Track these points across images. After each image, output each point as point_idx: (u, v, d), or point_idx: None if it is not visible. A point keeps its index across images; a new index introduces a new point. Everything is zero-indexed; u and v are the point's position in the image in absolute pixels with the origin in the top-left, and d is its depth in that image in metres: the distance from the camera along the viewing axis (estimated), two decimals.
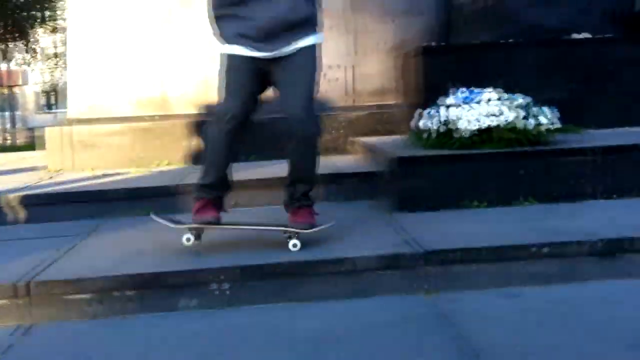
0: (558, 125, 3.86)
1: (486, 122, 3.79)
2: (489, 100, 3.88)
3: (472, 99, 3.91)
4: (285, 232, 2.90)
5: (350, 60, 5.01)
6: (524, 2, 4.94)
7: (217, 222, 2.95)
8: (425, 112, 4.04)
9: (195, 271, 2.72)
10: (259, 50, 2.82)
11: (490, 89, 3.95)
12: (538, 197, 3.61)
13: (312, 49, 2.91)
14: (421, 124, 4.01)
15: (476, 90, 3.98)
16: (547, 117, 3.83)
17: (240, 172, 4.02)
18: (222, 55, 2.90)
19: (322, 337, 2.27)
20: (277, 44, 2.83)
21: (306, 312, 2.54)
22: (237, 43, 2.83)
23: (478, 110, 3.83)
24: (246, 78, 2.87)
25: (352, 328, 2.35)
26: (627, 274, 2.82)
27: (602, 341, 2.15)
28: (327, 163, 4.20)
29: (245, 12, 2.80)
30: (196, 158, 4.49)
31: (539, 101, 3.98)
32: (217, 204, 2.98)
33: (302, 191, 2.97)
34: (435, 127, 3.88)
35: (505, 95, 3.92)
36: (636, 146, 3.71)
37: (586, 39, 4.79)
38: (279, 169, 3.85)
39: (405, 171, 3.61)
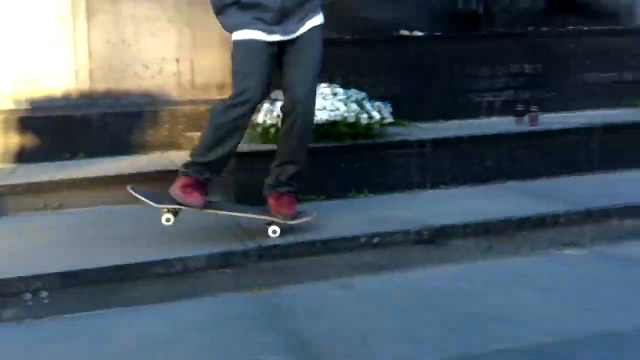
0: (390, 119, 4.00)
1: (322, 117, 3.84)
2: (325, 95, 3.94)
3: None
4: (267, 221, 2.93)
5: (189, 54, 4.88)
6: (361, 1, 5.07)
7: (202, 207, 2.88)
8: (264, 106, 4.02)
9: (6, 280, 2.51)
10: (275, 33, 2.86)
11: (325, 85, 4.02)
12: (372, 189, 3.73)
13: (319, 28, 2.98)
14: (259, 118, 3.99)
15: None
16: (380, 112, 3.96)
17: (70, 170, 3.81)
18: (236, 41, 2.89)
19: (143, 343, 2.17)
20: (291, 26, 2.89)
21: (132, 317, 2.42)
22: (255, 27, 2.84)
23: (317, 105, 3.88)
24: (263, 62, 2.87)
25: (178, 331, 2.27)
26: (451, 259, 2.97)
27: (428, 325, 2.23)
28: (162, 160, 4.08)
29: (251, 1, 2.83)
30: (16, 156, 4.17)
31: (374, 96, 4.10)
32: (203, 187, 2.90)
33: (290, 173, 2.97)
34: (273, 122, 3.88)
35: (341, 91, 4.00)
36: (460, 138, 3.94)
37: (417, 36, 5.02)
38: (111, 166, 3.68)
39: (242, 166, 3.58)
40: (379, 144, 3.83)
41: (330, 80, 4.10)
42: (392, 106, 4.07)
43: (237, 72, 2.89)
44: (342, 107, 3.87)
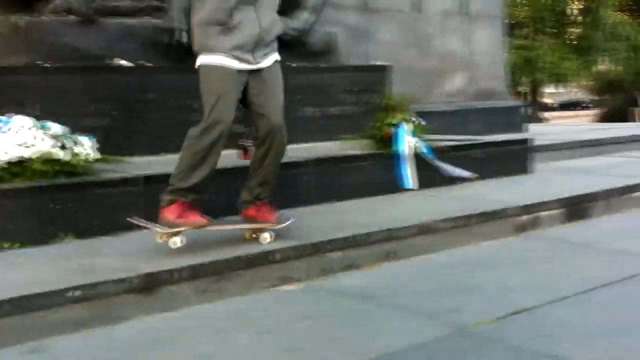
0: (97, 155, 3.68)
1: (17, 154, 3.39)
2: (20, 129, 3.48)
3: None
4: (261, 229, 3.23)
5: None
6: (61, 25, 4.64)
7: (208, 224, 3.13)
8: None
9: None
10: (246, 62, 3.11)
11: (21, 117, 3.55)
12: (77, 233, 3.36)
13: (279, 63, 3.30)
14: None
15: (4, 118, 3.55)
16: (84, 147, 3.61)
17: None
18: (209, 65, 3.08)
19: None
20: (259, 58, 3.15)
21: None
22: (230, 55, 3.06)
23: (7, 140, 3.41)
24: (235, 90, 3.11)
25: None
26: (166, 306, 2.77)
27: None
28: None
29: (235, 25, 3.05)
30: None
31: (78, 129, 3.75)
32: (196, 208, 3.10)
33: (269, 188, 3.27)
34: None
35: (39, 124, 3.57)
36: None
37: (128, 66, 4.75)
38: None
39: None
40: (83, 182, 3.47)
41: (28, 113, 3.64)
42: (101, 140, 3.76)
43: (211, 96, 3.05)
44: (40, 142, 3.45)
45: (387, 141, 4.94)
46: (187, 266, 2.86)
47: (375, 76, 5.83)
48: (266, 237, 3.21)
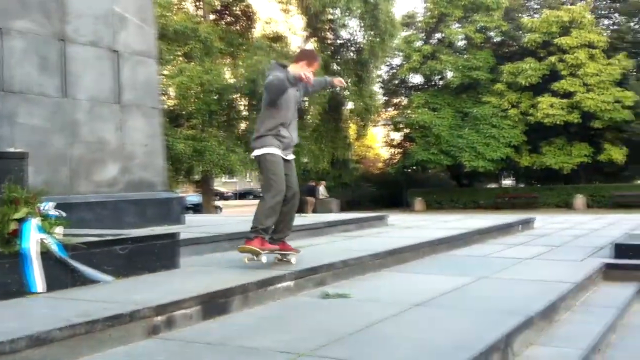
0: None
1: None
2: None
3: None
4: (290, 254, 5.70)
5: None
6: None
7: (274, 249, 5.60)
8: None
9: None
10: (285, 155, 5.62)
11: None
12: None
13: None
14: None
15: None
16: None
17: None
18: (266, 154, 5.49)
19: None
20: (288, 154, 5.68)
21: None
22: (280, 149, 5.55)
23: None
24: (282, 170, 5.53)
25: None
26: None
27: None
28: None
29: (281, 134, 5.55)
30: None
31: None
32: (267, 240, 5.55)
33: (288, 231, 5.78)
34: None
35: None
36: None
37: None
38: None
39: None
40: None
41: None
42: None
43: (273, 174, 5.44)
44: None
45: (14, 238, 4.37)
46: None
47: (4, 163, 5.21)
48: (292, 259, 5.63)
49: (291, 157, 5.66)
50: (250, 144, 5.69)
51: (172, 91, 24.17)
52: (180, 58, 25.34)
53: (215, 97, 24.14)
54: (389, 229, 9.73)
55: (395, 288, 5.59)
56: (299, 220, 9.36)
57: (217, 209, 41.87)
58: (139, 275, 5.03)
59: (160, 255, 5.36)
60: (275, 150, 5.43)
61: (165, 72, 23.78)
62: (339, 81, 6.33)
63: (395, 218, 12.00)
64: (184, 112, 24.31)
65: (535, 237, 9.62)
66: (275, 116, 5.49)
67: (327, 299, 5.02)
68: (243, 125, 26.54)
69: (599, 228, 11.01)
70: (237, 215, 14.79)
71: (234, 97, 25.22)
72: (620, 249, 6.90)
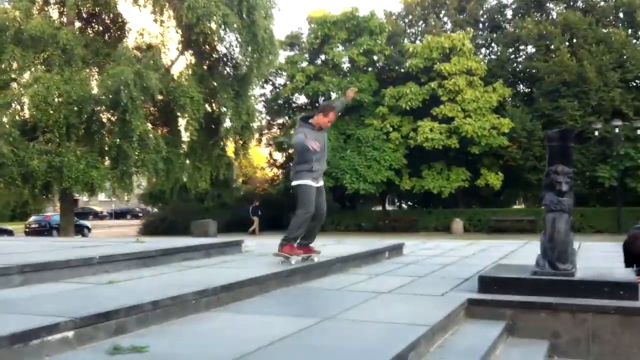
0: None
1: None
2: None
3: None
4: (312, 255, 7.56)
5: None
6: None
7: (302, 253, 7.44)
8: None
9: None
10: (317, 184, 7.38)
11: None
12: None
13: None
14: None
15: None
16: None
17: None
18: (302, 184, 7.27)
19: None
20: (319, 182, 7.45)
21: None
22: (312, 180, 7.29)
23: None
24: (313, 196, 7.27)
25: None
26: None
27: None
28: None
29: (314, 167, 7.26)
30: None
31: None
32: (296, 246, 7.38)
33: (312, 239, 7.60)
34: None
35: None
36: None
37: None
38: None
39: None
40: None
41: None
42: None
43: (305, 199, 7.22)
44: None
45: None
46: None
47: None
48: (314, 258, 7.55)
49: (321, 183, 7.50)
50: (290, 176, 7.67)
51: (26, 101, 21.99)
52: (39, 66, 23.17)
53: (75, 109, 22.11)
54: (241, 256, 8.61)
55: (216, 336, 4.49)
56: (129, 247, 8.06)
57: (85, 229, 39.00)
58: None
59: None
60: (308, 182, 7.25)
61: (22, 81, 21.66)
62: (351, 91, 8.00)
63: (255, 243, 10.91)
64: (40, 125, 22.11)
65: (401, 265, 8.83)
66: (307, 158, 7.29)
67: (114, 355, 3.85)
68: (107, 140, 24.51)
69: (469, 255, 10.42)
70: (95, 239, 13.09)
71: (96, 109, 23.20)
72: (485, 282, 6.14)
